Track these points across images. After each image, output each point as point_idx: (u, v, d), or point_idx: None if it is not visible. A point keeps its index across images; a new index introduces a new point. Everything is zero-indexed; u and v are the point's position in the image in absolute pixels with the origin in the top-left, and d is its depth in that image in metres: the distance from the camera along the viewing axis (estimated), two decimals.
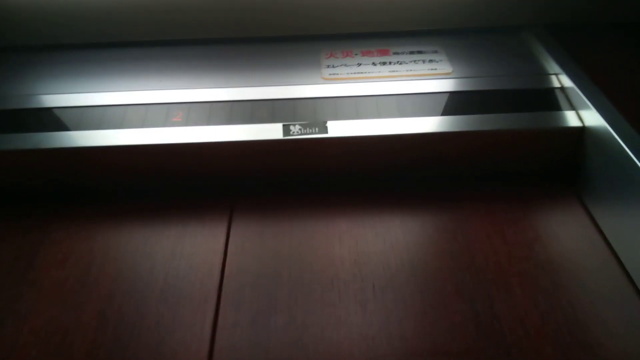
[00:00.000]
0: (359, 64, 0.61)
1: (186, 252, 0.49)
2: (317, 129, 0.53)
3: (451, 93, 0.56)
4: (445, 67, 0.60)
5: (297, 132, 0.52)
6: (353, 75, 0.59)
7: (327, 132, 0.52)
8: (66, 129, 0.53)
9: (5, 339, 0.42)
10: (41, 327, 0.43)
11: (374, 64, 0.61)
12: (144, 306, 0.44)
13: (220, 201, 0.54)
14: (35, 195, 0.54)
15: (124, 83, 0.58)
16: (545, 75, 0.59)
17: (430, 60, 0.61)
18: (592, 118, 0.50)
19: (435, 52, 0.63)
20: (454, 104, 0.55)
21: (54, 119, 0.54)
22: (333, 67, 0.61)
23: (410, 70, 0.60)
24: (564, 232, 0.49)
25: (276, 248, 0.49)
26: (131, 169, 0.54)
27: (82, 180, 0.54)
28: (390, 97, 0.56)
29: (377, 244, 0.49)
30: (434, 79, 0.58)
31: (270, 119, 0.54)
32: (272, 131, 0.53)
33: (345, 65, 0.61)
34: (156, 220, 0.52)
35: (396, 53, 0.63)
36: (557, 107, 0.55)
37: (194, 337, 0.41)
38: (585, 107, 0.52)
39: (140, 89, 0.57)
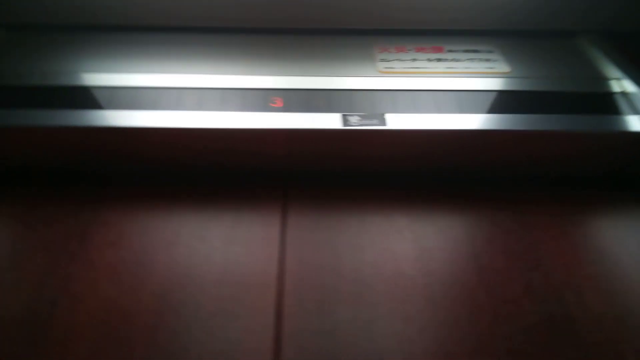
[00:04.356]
0: (414, 59, 0.60)
1: (242, 239, 0.47)
2: (376, 120, 0.52)
3: (511, 92, 0.55)
4: (503, 66, 0.59)
5: (356, 123, 0.51)
6: (409, 70, 0.58)
7: (385, 124, 0.51)
8: (119, 107, 0.52)
9: (60, 319, 0.41)
10: (99, 309, 0.41)
11: (429, 60, 0.60)
12: (205, 290, 0.42)
13: (274, 189, 0.52)
14: (86, 175, 0.53)
15: (178, 66, 0.57)
16: (604, 79, 0.58)
17: (487, 60, 0.60)
18: None
19: (491, 52, 0.62)
20: (514, 102, 0.54)
21: (107, 97, 0.53)
22: (387, 61, 0.60)
23: (468, 67, 0.59)
24: (631, 239, 0.48)
25: (334, 239, 0.48)
26: (184, 152, 0.52)
27: (133, 161, 0.53)
28: (449, 92, 0.55)
29: (439, 240, 0.47)
30: (493, 77, 0.57)
31: (327, 108, 0.53)
32: (330, 121, 0.51)
33: (400, 60, 0.60)
34: (209, 206, 0.51)
35: (451, 51, 0.62)
36: (619, 112, 0.54)
37: (258, 323, 0.40)
38: None
39: (196, 73, 0.56)
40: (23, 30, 0.63)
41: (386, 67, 0.59)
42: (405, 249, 0.46)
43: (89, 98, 0.53)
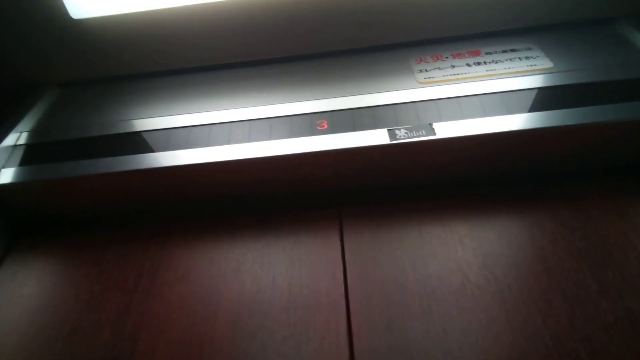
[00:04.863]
0: (453, 66, 0.60)
1: (304, 261, 0.48)
2: (423, 131, 0.52)
3: (559, 87, 0.54)
4: (545, 62, 0.58)
5: (404, 136, 0.52)
6: (449, 77, 0.58)
7: (435, 134, 0.51)
8: (174, 148, 0.54)
9: (141, 355, 0.43)
10: (177, 342, 0.43)
11: (468, 64, 0.60)
12: (275, 315, 0.43)
13: (329, 209, 0.53)
14: (152, 215, 0.55)
15: (228, 102, 0.60)
16: None
17: (527, 57, 0.60)
18: None
19: (529, 49, 0.61)
20: (563, 97, 0.53)
21: (155, 139, 0.56)
22: (426, 71, 0.60)
23: (509, 68, 0.58)
24: None
25: (395, 253, 0.48)
26: (240, 182, 0.54)
27: (194, 197, 0.55)
28: (495, 95, 0.55)
29: (502, 245, 0.47)
30: (537, 74, 0.57)
31: (373, 125, 0.54)
32: (377, 137, 0.52)
33: (439, 68, 0.60)
34: (269, 232, 0.52)
35: (488, 53, 0.62)
36: None
37: (331, 344, 0.40)
38: None
39: (244, 107, 0.58)
40: (74, 87, 0.68)
41: (426, 78, 0.59)
42: (468, 257, 0.46)
43: (145, 142, 0.56)
